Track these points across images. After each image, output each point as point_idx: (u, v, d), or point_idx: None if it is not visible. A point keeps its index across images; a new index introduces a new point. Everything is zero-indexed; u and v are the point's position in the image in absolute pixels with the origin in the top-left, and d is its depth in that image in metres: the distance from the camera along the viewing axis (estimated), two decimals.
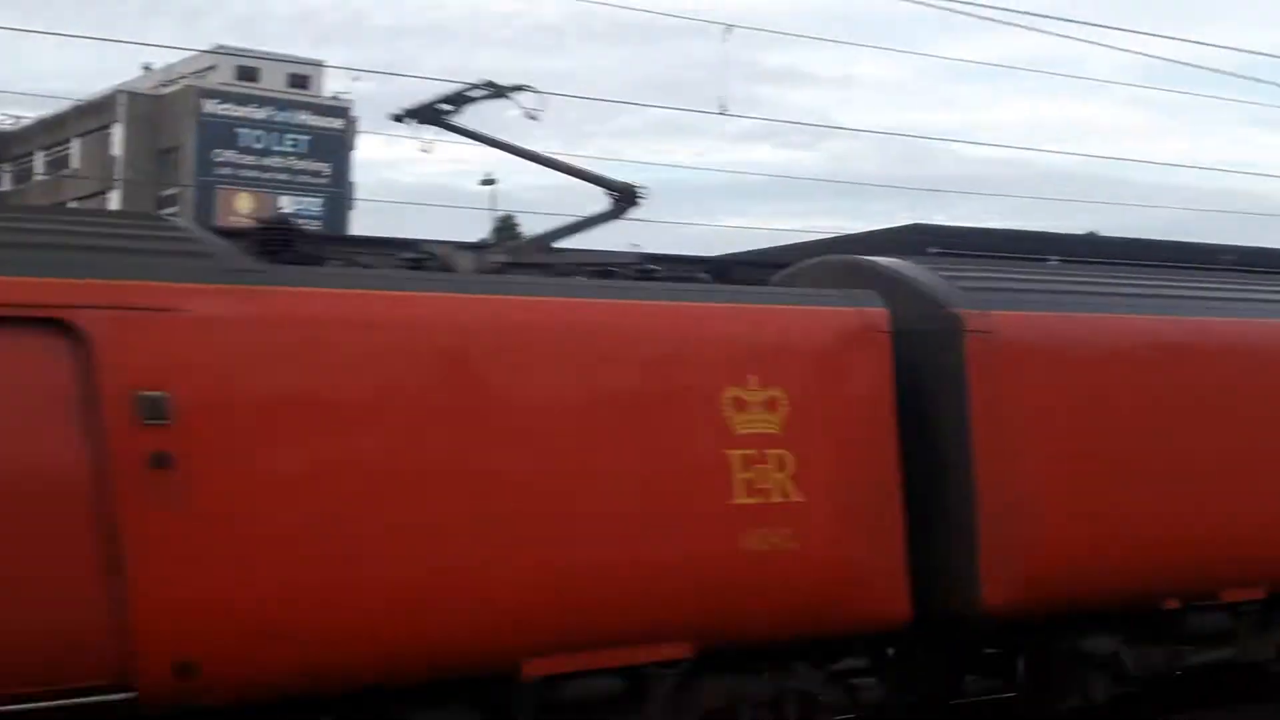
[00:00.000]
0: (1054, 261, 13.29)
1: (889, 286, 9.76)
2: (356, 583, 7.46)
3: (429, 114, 9.69)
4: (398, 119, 9.78)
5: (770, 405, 8.93)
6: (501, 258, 9.16)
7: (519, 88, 9.63)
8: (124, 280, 7.12)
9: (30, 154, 65.27)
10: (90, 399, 6.86)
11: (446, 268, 8.73)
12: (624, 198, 9.86)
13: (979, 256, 11.41)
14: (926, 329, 9.65)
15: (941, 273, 10.31)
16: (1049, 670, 10.48)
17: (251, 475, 7.28)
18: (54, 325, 6.88)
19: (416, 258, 8.83)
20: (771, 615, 8.87)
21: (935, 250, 17.84)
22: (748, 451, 8.80)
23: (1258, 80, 33.40)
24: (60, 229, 7.84)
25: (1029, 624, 10.07)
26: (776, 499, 8.87)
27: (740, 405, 8.81)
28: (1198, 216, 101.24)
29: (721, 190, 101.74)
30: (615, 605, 8.31)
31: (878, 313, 9.46)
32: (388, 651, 7.59)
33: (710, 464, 8.69)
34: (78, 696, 6.69)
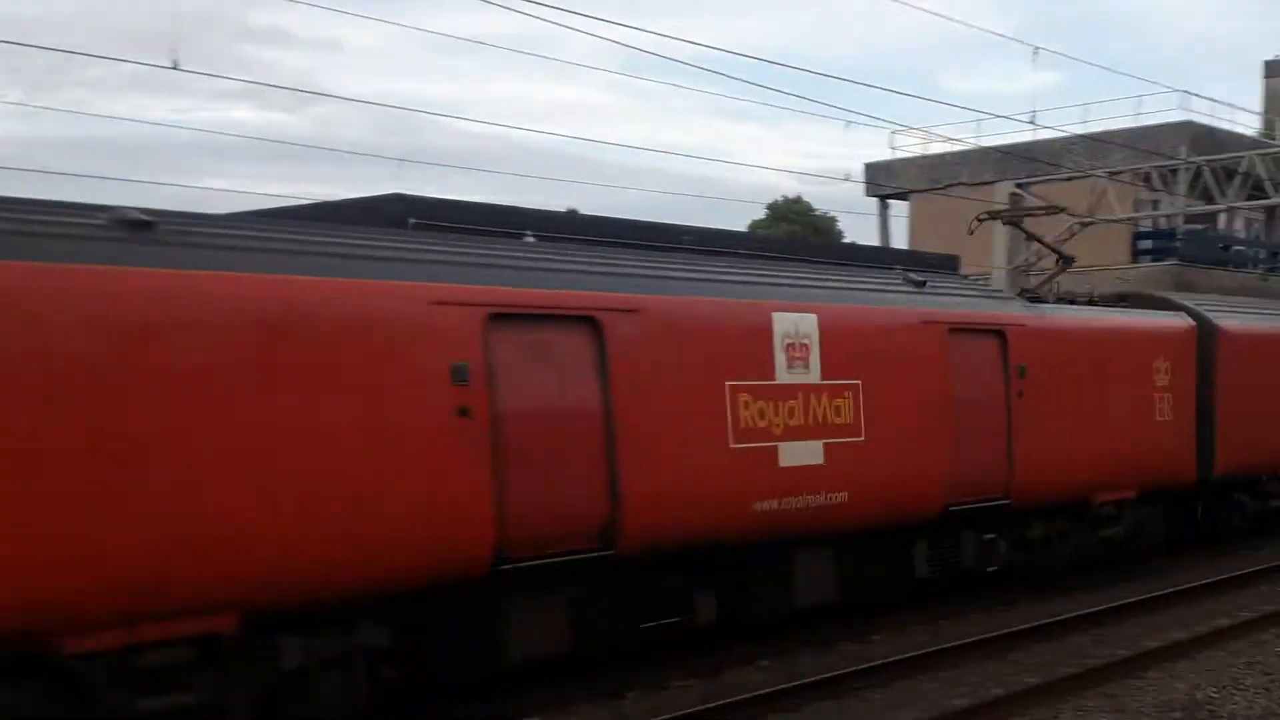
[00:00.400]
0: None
1: (1190, 311, 19.25)
2: (1074, 452, 16.36)
3: (1009, 219, 22.37)
4: (981, 220, 19.57)
5: (1164, 370, 18.05)
6: (1071, 296, 18.61)
7: (1063, 208, 21.35)
8: (1023, 314, 16.26)
9: None
10: (1004, 366, 15.42)
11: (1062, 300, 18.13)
12: (1067, 262, 18.99)
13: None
14: (1206, 332, 19.11)
15: (1200, 304, 19.93)
16: (1217, 509, 20.02)
17: (1051, 401, 15.87)
18: (997, 335, 15.49)
19: (1033, 295, 17.65)
20: (1158, 477, 17.93)
21: (416, 221, 18.09)
22: (1159, 394, 17.93)
23: (718, 73, 36.56)
24: (964, 291, 16.84)
25: (1214, 485, 19.22)
26: (1165, 419, 18.00)
27: (1156, 370, 17.93)
28: (665, 199, 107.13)
29: (204, 150, 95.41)
30: (1119, 469, 17.19)
31: (1192, 324, 18.95)
32: (1069, 487, 16.48)
33: (1149, 401, 17.76)
34: (993, 501, 15.25)
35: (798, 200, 62.47)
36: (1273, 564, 18.36)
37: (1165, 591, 16.30)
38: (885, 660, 12.81)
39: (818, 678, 12.14)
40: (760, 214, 61.83)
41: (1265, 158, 33.65)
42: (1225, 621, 14.41)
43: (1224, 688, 11.80)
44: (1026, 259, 35.20)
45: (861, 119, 37.24)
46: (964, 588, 16.12)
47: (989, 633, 14.02)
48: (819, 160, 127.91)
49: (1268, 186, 32.46)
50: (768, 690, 11.69)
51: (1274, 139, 46.95)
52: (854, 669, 12.44)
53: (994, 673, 12.64)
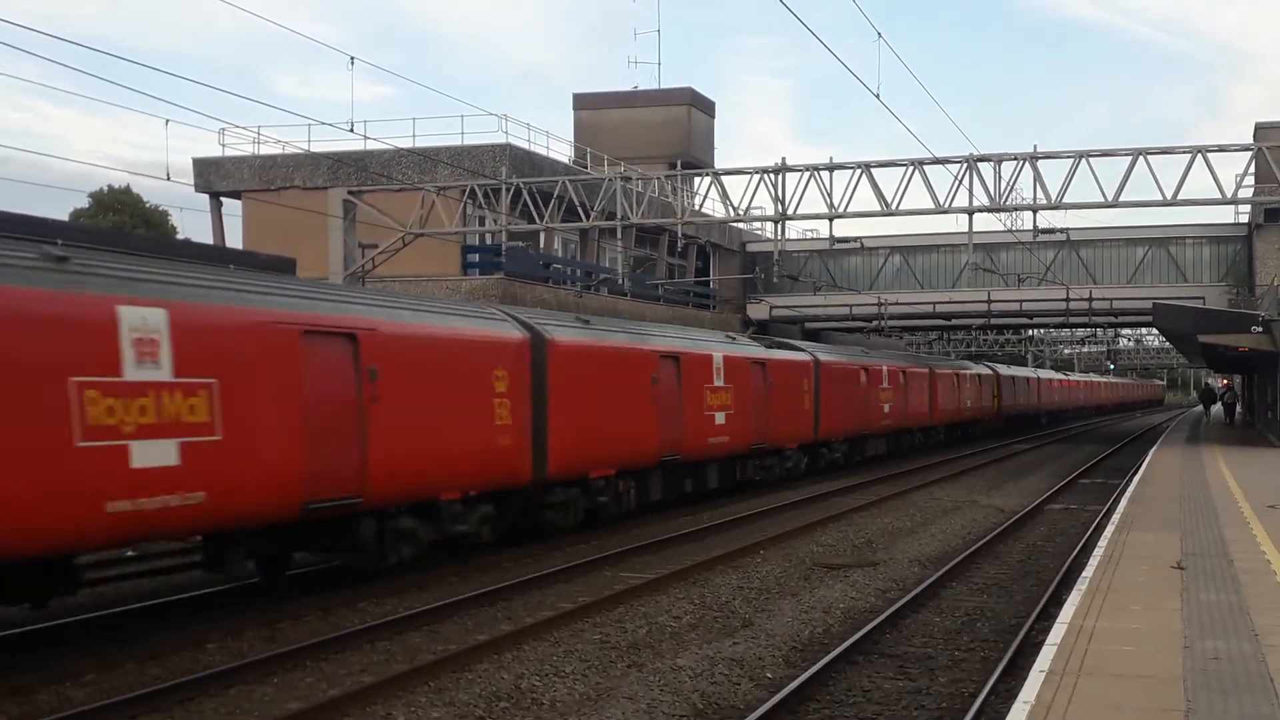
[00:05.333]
0: None
1: (523, 322, 20.52)
2: (425, 452, 17.42)
3: None
4: None
5: (504, 378, 19.26)
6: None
7: None
8: (376, 319, 16.70)
9: None
10: (356, 369, 15.93)
11: None
12: None
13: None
14: (538, 344, 20.47)
15: (534, 318, 21.39)
16: (550, 506, 21.46)
17: (403, 403, 16.72)
18: (349, 338, 15.91)
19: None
20: (499, 476, 19.41)
21: None
22: (498, 399, 19.15)
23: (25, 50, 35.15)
24: None
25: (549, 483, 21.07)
26: (504, 423, 19.19)
27: (497, 377, 19.20)
28: None
29: None
30: (464, 468, 18.39)
31: (526, 336, 20.13)
32: (421, 485, 17.47)
33: (490, 406, 18.93)
34: (349, 499, 15.83)
35: (126, 191, 59.30)
36: (596, 556, 19.61)
37: (498, 586, 16.89)
38: (217, 669, 12.30)
39: (139, 692, 11.44)
40: (84, 203, 58.19)
41: (577, 183, 36.32)
42: (548, 614, 15.21)
43: (547, 676, 12.44)
44: (363, 265, 35.61)
45: (187, 114, 35.95)
46: (304, 589, 15.90)
47: (325, 635, 13.87)
48: (149, 152, 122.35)
49: (580, 210, 35.03)
50: (89, 707, 10.86)
51: (585, 166, 50.80)
52: (182, 680, 11.85)
53: (330, 674, 12.53)
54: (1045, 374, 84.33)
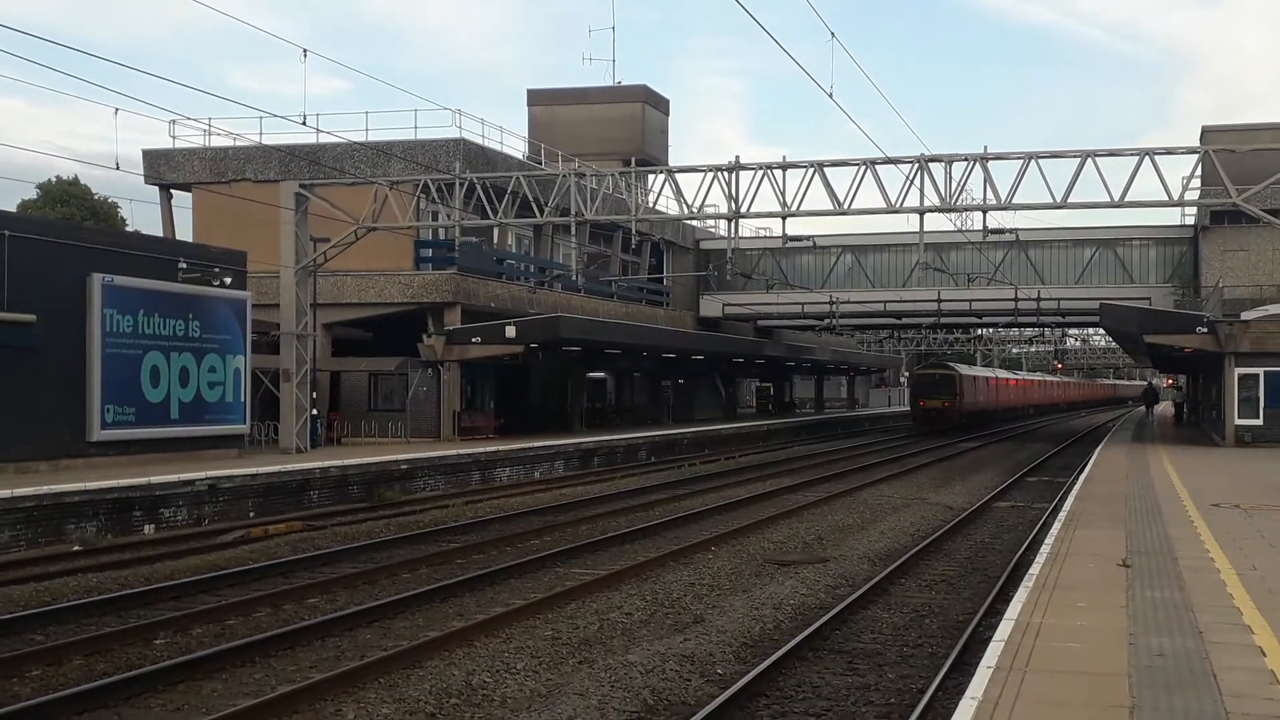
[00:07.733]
0: None
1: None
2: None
3: None
4: None
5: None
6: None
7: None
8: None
9: None
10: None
11: None
12: None
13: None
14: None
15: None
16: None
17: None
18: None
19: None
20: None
21: None
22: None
23: None
24: None
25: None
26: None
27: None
28: None
29: None
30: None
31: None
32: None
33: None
34: None
35: (75, 182, 58.64)
36: (548, 552, 19.58)
37: (449, 582, 16.91)
38: (165, 664, 12.22)
39: (85, 687, 11.34)
40: (32, 194, 57.54)
41: (531, 179, 36.25)
42: (499, 610, 15.20)
43: (498, 672, 12.43)
44: (314, 259, 35.39)
45: (137, 105, 35.73)
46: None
47: (275, 630, 13.81)
48: (100, 144, 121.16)
49: (534, 206, 34.99)
50: (33, 702, 10.75)
51: (540, 162, 50.71)
52: (128, 675, 11.76)
53: (280, 670, 12.47)
54: (1068, 380, 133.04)
